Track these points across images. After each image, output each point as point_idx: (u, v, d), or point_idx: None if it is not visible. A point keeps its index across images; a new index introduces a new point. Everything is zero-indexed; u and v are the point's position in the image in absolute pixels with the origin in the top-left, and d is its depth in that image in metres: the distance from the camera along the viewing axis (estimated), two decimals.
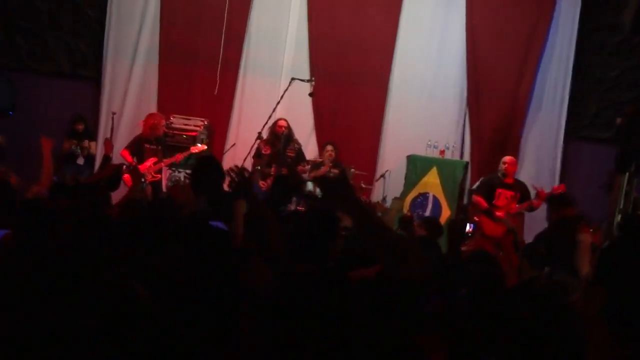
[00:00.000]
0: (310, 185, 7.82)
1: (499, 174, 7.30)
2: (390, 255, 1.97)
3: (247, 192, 2.99)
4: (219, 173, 4.13)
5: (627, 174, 2.35)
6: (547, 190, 7.00)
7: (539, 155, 8.82)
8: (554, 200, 6.63)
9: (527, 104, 8.77)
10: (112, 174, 4.85)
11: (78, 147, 8.52)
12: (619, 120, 2.43)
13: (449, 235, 3.76)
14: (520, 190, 7.26)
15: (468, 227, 6.69)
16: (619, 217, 2.31)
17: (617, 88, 8.75)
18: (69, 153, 8.51)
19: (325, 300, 2.16)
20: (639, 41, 8.59)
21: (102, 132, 8.81)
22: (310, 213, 3.03)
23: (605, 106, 8.72)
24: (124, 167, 7.32)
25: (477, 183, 7.66)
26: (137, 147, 7.91)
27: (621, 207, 2.31)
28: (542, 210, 7.23)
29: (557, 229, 5.60)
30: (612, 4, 8.55)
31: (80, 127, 8.64)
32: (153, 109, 8.79)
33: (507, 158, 7.36)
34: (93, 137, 8.72)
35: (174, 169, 8.22)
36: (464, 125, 8.85)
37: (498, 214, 7.08)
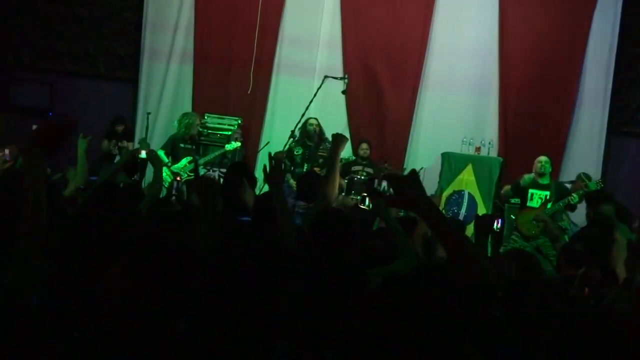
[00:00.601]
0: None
1: (533, 174, 7.12)
2: (462, 257, 1.93)
3: (275, 180, 3.02)
4: (250, 178, 4.32)
5: None
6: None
7: (582, 152, 8.56)
8: (591, 197, 6.42)
9: (573, 100, 8.52)
10: (129, 160, 4.88)
11: (116, 147, 8.50)
12: None
13: (475, 230, 3.63)
14: (556, 190, 7.06)
15: (496, 224, 6.53)
16: None
17: None
18: (107, 153, 8.47)
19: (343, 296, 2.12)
20: None
21: (139, 132, 8.94)
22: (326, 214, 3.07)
23: None
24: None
25: (511, 184, 7.49)
26: (172, 147, 8.00)
27: None
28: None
29: (593, 225, 5.42)
30: None
31: (121, 128, 8.61)
32: (188, 109, 8.88)
33: (541, 157, 7.17)
34: (131, 138, 8.75)
35: (209, 167, 8.27)
36: (500, 122, 8.64)
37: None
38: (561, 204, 6.95)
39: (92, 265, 2.34)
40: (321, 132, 8.10)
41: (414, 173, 2.04)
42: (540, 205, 6.99)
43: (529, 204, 7.04)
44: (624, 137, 8.28)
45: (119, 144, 8.45)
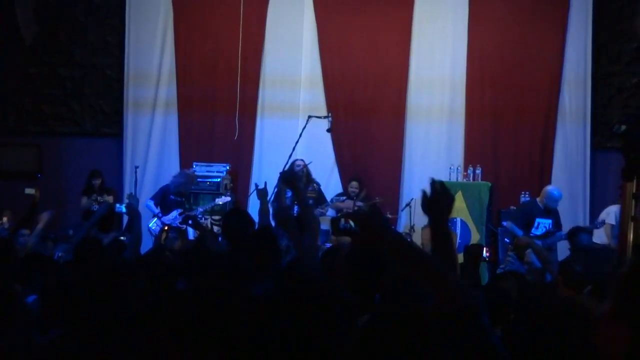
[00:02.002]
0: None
1: (539, 203, 7.18)
2: (440, 287, 1.86)
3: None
4: (249, 221, 4.56)
5: (635, 180, 2.29)
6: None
7: (569, 169, 8.67)
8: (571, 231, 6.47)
9: (554, 120, 8.65)
10: (105, 214, 4.94)
11: (96, 202, 8.28)
12: (622, 127, 2.38)
13: (465, 259, 3.69)
14: (554, 216, 7.16)
15: (485, 252, 6.57)
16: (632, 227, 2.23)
17: (638, 95, 8.59)
18: (87, 210, 8.23)
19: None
20: None
21: (127, 186, 8.97)
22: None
23: (629, 114, 8.56)
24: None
25: (515, 209, 7.56)
26: (163, 197, 8.03)
27: (632, 214, 2.25)
28: None
29: (579, 252, 5.48)
30: (625, 12, 8.46)
31: (98, 182, 8.44)
32: (175, 159, 8.94)
33: (557, 193, 7.21)
34: (110, 191, 8.58)
35: (200, 216, 8.28)
36: (485, 147, 8.75)
37: (537, 242, 6.97)
38: (563, 236, 7.10)
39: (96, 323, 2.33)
40: (308, 173, 8.16)
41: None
42: (542, 234, 7.07)
43: (533, 231, 7.10)
44: (607, 153, 8.39)
45: (99, 198, 8.30)
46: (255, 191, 3.74)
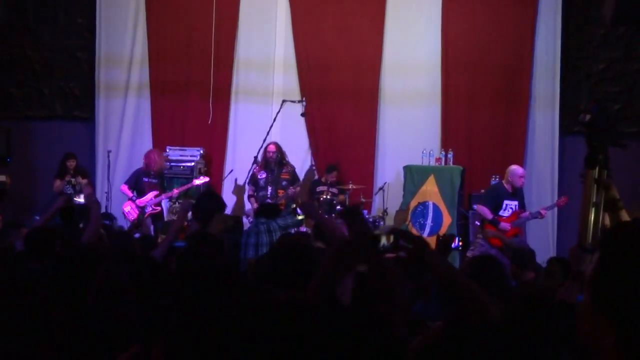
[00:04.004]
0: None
1: (505, 184, 7.32)
2: (470, 303, 1.91)
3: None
4: (220, 204, 4.66)
5: (597, 168, 2.39)
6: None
7: (538, 153, 8.82)
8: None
9: (527, 105, 8.79)
10: (63, 207, 4.77)
11: (71, 185, 8.09)
12: (586, 117, 2.47)
13: (437, 248, 3.77)
14: (520, 197, 7.33)
15: (456, 242, 6.72)
16: (592, 215, 2.33)
17: (605, 81, 8.77)
18: (61, 192, 7.93)
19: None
20: (623, 32, 8.62)
21: (100, 171, 8.89)
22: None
23: (596, 99, 8.75)
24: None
25: (483, 193, 7.70)
26: (137, 181, 8.01)
27: (594, 200, 2.34)
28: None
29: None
30: None
31: (72, 163, 8.18)
32: (148, 143, 8.89)
33: (521, 170, 7.37)
34: (85, 174, 8.35)
35: (174, 200, 8.28)
36: (458, 131, 8.85)
37: (504, 224, 7.12)
38: (529, 216, 7.33)
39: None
40: (282, 156, 8.20)
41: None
42: (510, 216, 7.23)
43: (500, 213, 7.25)
44: (576, 137, 8.57)
45: (73, 180, 8.10)
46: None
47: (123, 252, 3.75)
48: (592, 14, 8.65)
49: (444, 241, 3.74)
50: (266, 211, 5.84)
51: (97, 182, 8.81)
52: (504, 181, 7.44)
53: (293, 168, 8.29)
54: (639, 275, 1.08)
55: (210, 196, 5.10)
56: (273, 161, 8.08)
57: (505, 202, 7.26)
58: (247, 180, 8.17)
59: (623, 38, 8.66)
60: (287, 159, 8.23)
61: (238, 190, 8.87)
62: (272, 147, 8.13)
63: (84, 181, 8.08)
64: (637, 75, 8.73)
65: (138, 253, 4.05)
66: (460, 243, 6.88)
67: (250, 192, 8.18)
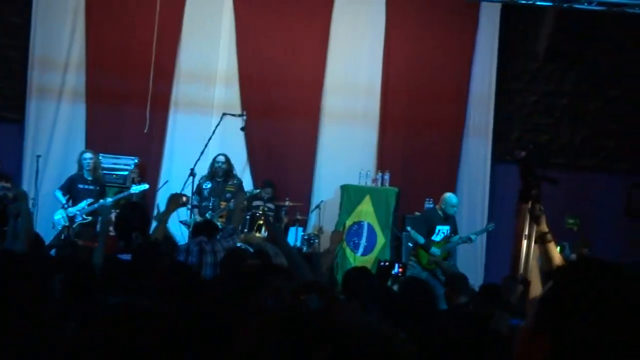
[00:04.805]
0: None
1: (439, 210, 7.49)
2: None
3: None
4: (144, 220, 4.46)
5: (530, 202, 2.51)
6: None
7: (470, 179, 9.07)
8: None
9: (461, 134, 9.03)
10: None
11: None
12: (521, 153, 2.58)
13: (377, 276, 3.84)
14: (452, 223, 7.53)
15: (396, 269, 6.83)
16: (525, 245, 2.43)
17: (537, 113, 9.16)
18: None
19: None
20: (554, 68, 9.04)
21: (27, 175, 8.54)
22: None
23: (527, 130, 9.12)
24: None
25: (417, 217, 7.85)
26: (70, 188, 7.73)
27: (526, 232, 2.45)
28: None
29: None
30: (529, 32, 8.97)
31: None
32: (80, 149, 8.59)
33: (454, 200, 7.59)
34: (8, 178, 8.05)
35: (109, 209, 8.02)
36: (394, 154, 9.00)
37: (434, 249, 7.28)
38: (459, 240, 7.47)
39: None
40: (230, 168, 8.11)
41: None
42: (441, 240, 7.39)
43: (433, 237, 7.40)
44: (507, 165, 8.89)
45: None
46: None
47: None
48: (527, 49, 9.03)
49: (384, 269, 3.81)
50: (204, 229, 5.61)
51: (23, 188, 8.43)
52: (437, 207, 7.62)
53: (240, 182, 8.20)
54: (586, 302, 1.15)
55: (134, 209, 4.76)
56: (220, 171, 7.99)
57: (438, 227, 7.44)
58: (194, 190, 8.03)
59: (554, 73, 9.07)
60: (234, 172, 8.16)
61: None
62: (221, 158, 8.05)
63: (7, 185, 7.72)
64: (566, 109, 9.17)
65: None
66: (401, 270, 6.97)
67: (195, 203, 8.04)
